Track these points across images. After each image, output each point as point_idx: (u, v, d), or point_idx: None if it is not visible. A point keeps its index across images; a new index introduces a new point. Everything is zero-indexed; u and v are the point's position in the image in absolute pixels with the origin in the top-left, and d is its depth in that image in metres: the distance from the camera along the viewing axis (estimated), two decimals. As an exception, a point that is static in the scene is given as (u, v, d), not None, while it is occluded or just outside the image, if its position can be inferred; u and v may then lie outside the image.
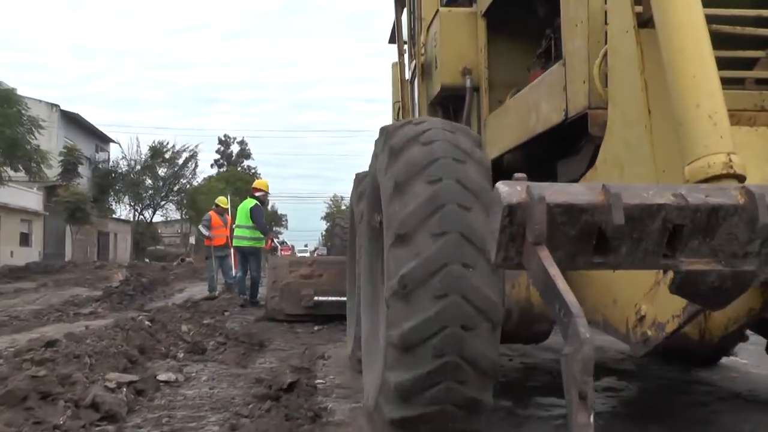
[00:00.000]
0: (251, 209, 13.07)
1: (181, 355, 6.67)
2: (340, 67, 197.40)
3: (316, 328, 9.06)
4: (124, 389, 4.63)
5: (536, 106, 4.21)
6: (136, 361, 5.82)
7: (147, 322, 7.81)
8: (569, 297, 1.79)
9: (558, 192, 2.02)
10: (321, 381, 5.52)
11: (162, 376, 5.38)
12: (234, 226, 13.54)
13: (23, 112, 25.19)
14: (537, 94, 4.24)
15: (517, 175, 2.10)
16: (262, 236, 13.26)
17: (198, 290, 16.52)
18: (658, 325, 2.78)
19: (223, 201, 15.78)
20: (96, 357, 5.44)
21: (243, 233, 13.13)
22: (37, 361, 5.07)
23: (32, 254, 36.12)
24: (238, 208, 13.80)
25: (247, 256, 13.24)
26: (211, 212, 15.42)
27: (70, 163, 42.13)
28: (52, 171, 37.37)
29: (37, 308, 12.01)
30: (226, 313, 11.08)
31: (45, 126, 29.66)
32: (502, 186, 2.02)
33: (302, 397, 4.63)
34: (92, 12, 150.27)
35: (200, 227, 15.57)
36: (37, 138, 26.39)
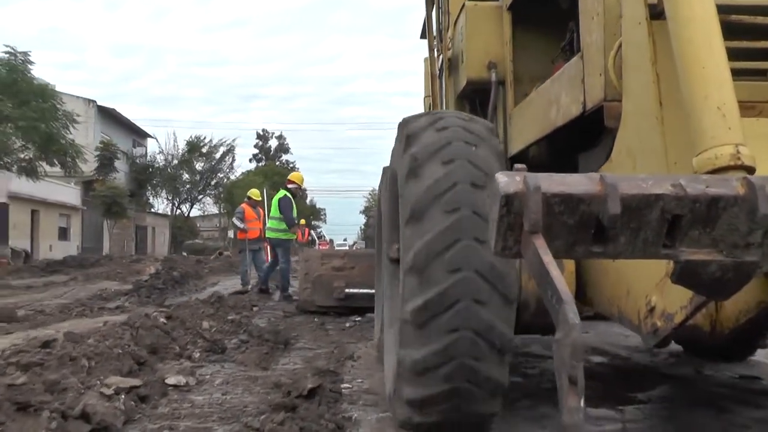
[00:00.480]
0: (280, 200, 13.03)
1: (197, 355, 6.18)
2: (378, 62, 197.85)
3: (348, 324, 8.77)
4: (123, 396, 4.18)
5: (557, 99, 4.23)
6: (144, 363, 5.36)
7: (162, 319, 7.28)
8: (560, 284, 1.83)
9: (555, 182, 2.05)
10: (347, 386, 5.06)
11: (171, 380, 4.97)
12: (269, 217, 13.53)
13: (58, 106, 25.02)
14: (558, 87, 4.26)
15: (517, 165, 2.14)
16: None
17: (231, 284, 16.30)
18: (667, 316, 2.79)
19: (255, 193, 15.66)
20: (96, 359, 4.97)
21: (272, 224, 13.14)
22: (23, 365, 4.51)
23: (71, 248, 36.72)
24: (273, 199, 13.77)
25: (275, 247, 13.28)
26: (243, 204, 15.15)
27: (107, 157, 42.27)
28: (89, 166, 37.52)
29: (64, 302, 11.71)
30: (255, 308, 10.69)
31: (81, 121, 29.73)
32: (500, 176, 2.07)
33: (324, 405, 4.19)
34: (129, 11, 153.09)
35: (234, 220, 15.39)
36: (72, 133, 26.20)
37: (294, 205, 13.15)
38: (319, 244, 52.78)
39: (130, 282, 15.91)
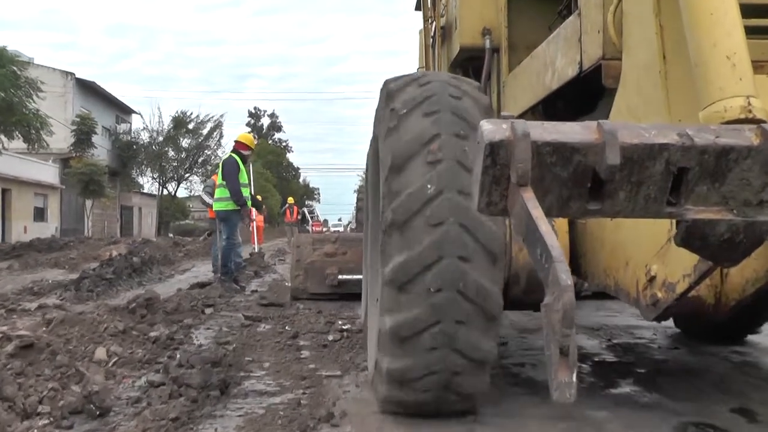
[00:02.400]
0: (224, 164, 10.77)
1: (47, 428, 3.40)
2: (372, 41, 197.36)
3: (330, 337, 5.86)
4: None
5: (552, 62, 4.04)
6: None
7: (11, 348, 4.20)
8: (551, 239, 1.61)
9: (547, 129, 1.83)
10: None
11: None
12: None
13: (19, 73, 22.42)
14: (553, 49, 4.07)
15: (504, 113, 1.92)
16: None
17: (206, 270, 13.45)
18: (669, 286, 2.58)
19: None
20: None
21: (218, 193, 10.79)
22: None
23: (48, 229, 34.23)
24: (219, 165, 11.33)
25: (220, 221, 10.84)
26: (215, 177, 12.14)
27: (83, 132, 37.98)
28: (67, 141, 35.68)
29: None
30: (208, 311, 7.75)
31: (59, 95, 27.92)
32: (485, 123, 1.84)
33: None
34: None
35: (202, 194, 12.77)
36: (36, 102, 23.62)
37: (243, 171, 10.77)
38: (313, 224, 52.21)
39: (80, 270, 12.65)
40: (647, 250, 2.78)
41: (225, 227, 10.64)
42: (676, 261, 2.50)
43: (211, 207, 11.36)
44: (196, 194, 52.37)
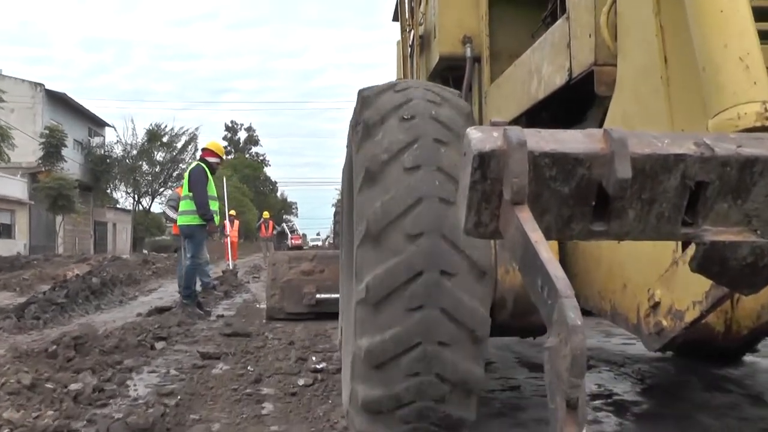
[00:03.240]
0: (191, 173, 9.77)
1: None
2: (349, 54, 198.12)
3: (301, 381, 4.88)
4: None
5: (538, 69, 3.81)
6: None
7: None
8: (555, 269, 1.34)
9: (545, 138, 1.56)
10: None
11: None
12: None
13: None
14: (539, 56, 3.84)
15: (494, 119, 1.65)
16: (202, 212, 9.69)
17: (174, 290, 12.64)
18: (676, 314, 2.31)
19: None
20: None
21: (181, 207, 9.79)
22: None
23: (16, 246, 33.08)
24: (184, 177, 10.28)
25: (185, 238, 9.82)
26: (178, 189, 11.44)
27: (52, 145, 36.83)
28: (35, 155, 34.67)
29: None
30: (159, 345, 6.62)
31: (28, 107, 27.17)
32: (472, 131, 1.57)
33: None
34: (99, 3, 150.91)
35: (165, 209, 11.89)
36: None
37: (211, 182, 9.83)
38: (292, 238, 51.56)
39: (30, 293, 11.89)
40: (649, 271, 2.52)
41: (190, 244, 9.65)
42: (684, 286, 2.24)
43: (176, 222, 10.38)
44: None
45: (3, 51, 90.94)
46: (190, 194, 9.54)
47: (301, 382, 4.85)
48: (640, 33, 2.66)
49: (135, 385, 4.99)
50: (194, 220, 9.54)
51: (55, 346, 5.55)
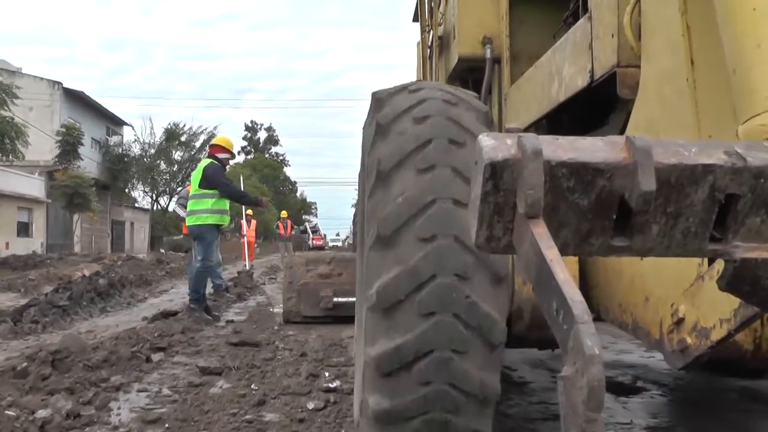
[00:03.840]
0: (206, 168, 9.17)
1: None
2: (370, 55, 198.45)
3: (311, 404, 4.36)
4: None
5: (559, 71, 3.69)
6: None
7: None
8: (571, 291, 1.23)
9: (562, 146, 1.45)
10: None
11: None
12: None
13: None
14: (559, 57, 3.73)
15: (510, 125, 1.54)
16: (218, 211, 9.22)
17: (186, 291, 11.13)
18: (701, 331, 2.18)
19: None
20: None
21: (191, 206, 9.23)
22: None
23: (33, 245, 33.08)
24: (193, 174, 9.70)
25: (195, 239, 9.29)
26: (189, 186, 10.64)
27: (69, 143, 36.47)
28: (53, 153, 34.54)
29: None
30: (157, 357, 5.97)
31: (46, 105, 26.91)
32: (484, 138, 1.47)
33: None
34: (120, 5, 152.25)
35: (175, 207, 11.41)
36: (9, 109, 22.64)
37: (223, 172, 9.51)
38: (313, 239, 51.12)
39: (35, 294, 11.27)
40: (672, 285, 2.39)
41: (200, 246, 9.15)
42: (711, 303, 2.11)
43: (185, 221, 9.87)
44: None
45: (25, 51, 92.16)
46: (200, 192, 9.12)
47: (311, 405, 4.34)
48: (666, 33, 2.54)
49: (119, 408, 4.37)
50: (206, 219, 9.13)
51: (25, 363, 4.82)
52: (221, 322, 8.85)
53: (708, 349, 2.15)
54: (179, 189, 49.09)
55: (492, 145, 1.44)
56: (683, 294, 2.29)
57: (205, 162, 9.44)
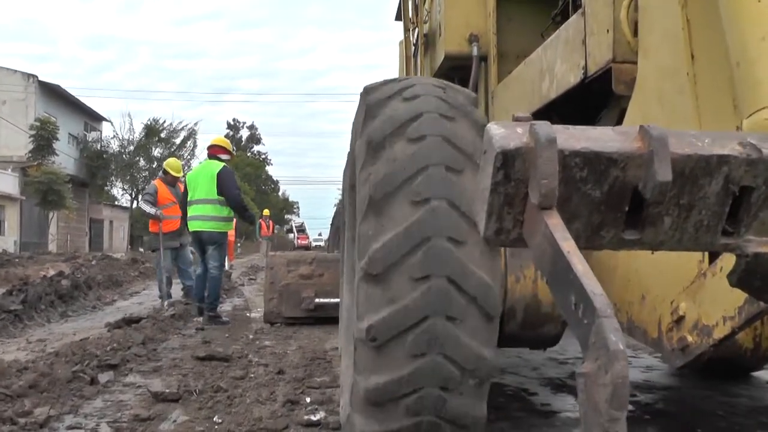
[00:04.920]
0: (220, 174, 8.58)
1: None
2: (353, 55, 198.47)
3: None
4: None
5: (550, 68, 3.65)
6: None
7: None
8: (592, 285, 1.18)
9: (575, 136, 1.40)
10: None
11: None
12: (191, 200, 8.80)
13: None
14: (551, 54, 3.68)
15: (519, 114, 1.49)
16: (230, 217, 8.96)
17: (157, 294, 10.83)
18: (703, 329, 2.15)
19: (174, 165, 10.49)
20: None
21: (204, 211, 8.65)
22: None
23: (6, 243, 31.53)
24: (195, 174, 9.11)
25: (206, 245, 8.74)
26: (156, 181, 10.30)
27: (44, 138, 35.09)
28: (27, 149, 33.69)
29: None
30: (104, 378, 4.74)
31: (21, 98, 25.73)
32: (494, 127, 1.41)
33: None
34: (103, 2, 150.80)
35: (141, 203, 10.51)
36: None
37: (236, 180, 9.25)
38: (298, 238, 50.57)
39: None
40: (671, 282, 2.36)
41: (216, 252, 8.75)
42: (713, 300, 2.08)
43: (155, 219, 9.69)
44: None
45: (5, 48, 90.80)
46: (217, 199, 8.57)
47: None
48: (664, 27, 2.50)
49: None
50: (224, 226, 8.87)
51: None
52: (191, 330, 8.01)
53: (709, 347, 2.12)
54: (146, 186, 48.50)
55: (502, 134, 1.39)
56: (684, 291, 2.26)
57: (214, 165, 8.79)
